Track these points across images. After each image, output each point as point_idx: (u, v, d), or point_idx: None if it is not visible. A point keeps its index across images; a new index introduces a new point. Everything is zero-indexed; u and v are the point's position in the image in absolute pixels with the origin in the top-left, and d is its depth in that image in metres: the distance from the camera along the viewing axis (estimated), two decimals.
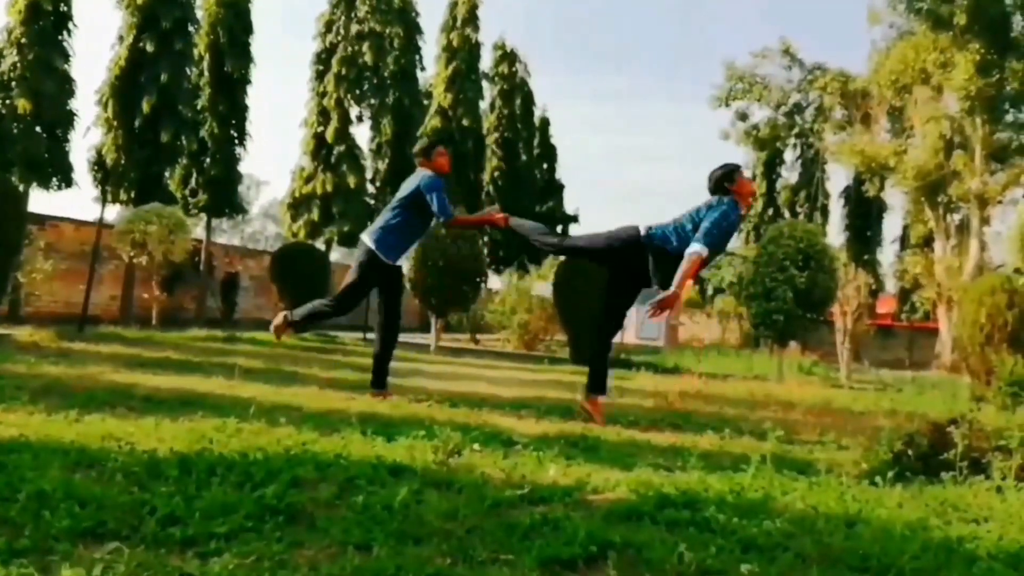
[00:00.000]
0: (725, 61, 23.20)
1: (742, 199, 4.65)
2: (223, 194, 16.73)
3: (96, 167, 14.85)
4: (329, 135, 18.46)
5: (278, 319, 5.41)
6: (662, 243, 4.54)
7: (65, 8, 13.55)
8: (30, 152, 12.83)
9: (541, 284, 15.57)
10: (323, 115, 18.70)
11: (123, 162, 14.59)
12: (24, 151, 12.75)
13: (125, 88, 14.76)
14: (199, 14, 16.13)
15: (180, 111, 15.19)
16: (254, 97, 18.04)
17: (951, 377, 12.41)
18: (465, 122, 21.98)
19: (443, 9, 22.78)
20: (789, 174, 29.65)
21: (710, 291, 27.57)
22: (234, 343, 9.90)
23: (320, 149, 18.65)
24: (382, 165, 20.49)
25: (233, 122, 16.91)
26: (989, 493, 3.00)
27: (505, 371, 8.93)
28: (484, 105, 24.37)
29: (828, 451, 3.92)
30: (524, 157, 26.29)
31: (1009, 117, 20.04)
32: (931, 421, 3.81)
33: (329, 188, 18.19)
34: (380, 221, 5.33)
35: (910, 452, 3.42)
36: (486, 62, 24.54)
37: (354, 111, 19.18)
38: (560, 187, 28.52)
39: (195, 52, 16.05)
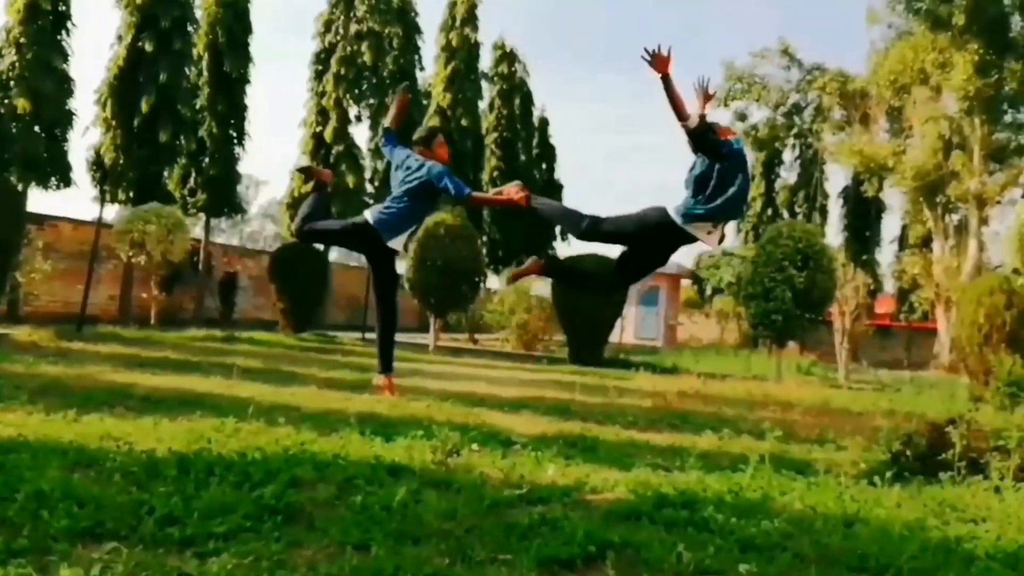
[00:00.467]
0: (724, 61, 23.21)
1: (727, 134, 4.46)
2: (222, 194, 16.72)
3: (95, 167, 14.84)
4: (328, 135, 18.46)
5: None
6: (701, 210, 4.29)
7: (64, 8, 13.54)
8: (29, 152, 12.81)
9: (540, 284, 15.58)
10: (322, 115, 18.69)
11: (122, 162, 14.58)
12: (23, 151, 12.73)
13: (124, 88, 14.75)
14: (198, 14, 16.13)
15: (179, 111, 15.18)
16: (253, 97, 18.07)
17: (949, 377, 12.42)
18: (464, 122, 21.98)
19: (442, 9, 22.78)
20: (788, 174, 29.65)
21: (708, 291, 27.57)
22: (233, 343, 9.89)
23: (319, 149, 18.64)
24: (381, 165, 20.46)
25: (232, 122, 16.90)
26: (987, 493, 3.01)
27: (504, 371, 8.93)
28: (483, 105, 24.36)
29: (826, 451, 3.92)
30: (523, 157, 26.28)
31: (1008, 117, 20.04)
32: (929, 421, 3.81)
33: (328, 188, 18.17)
34: (384, 205, 5.27)
35: (908, 452, 3.42)
36: (485, 62, 24.53)
37: (353, 111, 19.18)
38: (559, 187, 28.49)
39: (194, 52, 16.04)
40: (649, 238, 4.53)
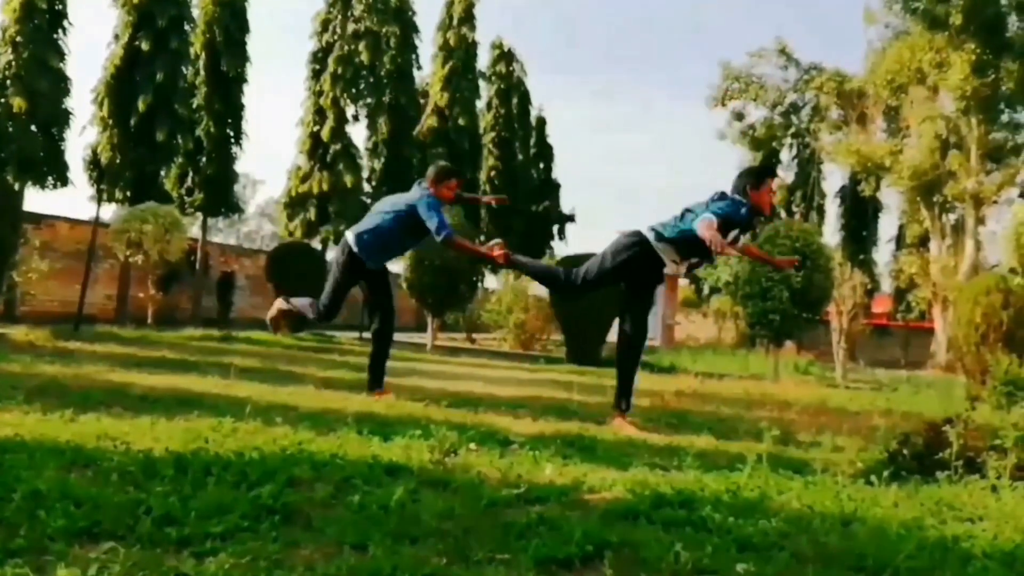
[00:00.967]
0: (721, 61, 23.26)
1: (757, 205, 4.44)
2: (219, 193, 16.71)
3: (92, 166, 14.81)
4: (325, 134, 18.44)
5: (275, 307, 5.36)
6: (671, 233, 4.41)
7: (60, 6, 13.51)
8: (25, 151, 12.78)
9: (538, 284, 15.56)
10: (319, 114, 18.67)
11: (119, 161, 14.55)
12: (19, 150, 12.70)
13: (121, 87, 14.72)
14: (195, 13, 16.10)
15: (176, 110, 15.15)
16: (250, 96, 18.06)
17: (946, 377, 12.44)
18: (461, 121, 21.97)
19: (439, 8, 22.77)
20: (785, 174, 29.69)
21: (706, 291, 27.59)
22: (230, 342, 9.88)
23: (316, 148, 18.63)
24: (378, 164, 20.47)
25: (229, 121, 16.88)
26: (984, 492, 3.01)
27: (502, 371, 8.94)
28: (481, 104, 24.36)
29: (824, 451, 3.92)
30: (520, 156, 26.28)
31: (1004, 117, 20.10)
32: (926, 420, 3.82)
33: (325, 187, 18.17)
34: (368, 223, 5.23)
35: (905, 451, 3.43)
36: (483, 61, 24.53)
37: (350, 110, 19.17)
38: (556, 186, 28.51)
39: (191, 51, 16.01)
40: (629, 267, 4.55)
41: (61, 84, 13.43)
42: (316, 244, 17.81)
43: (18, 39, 12.91)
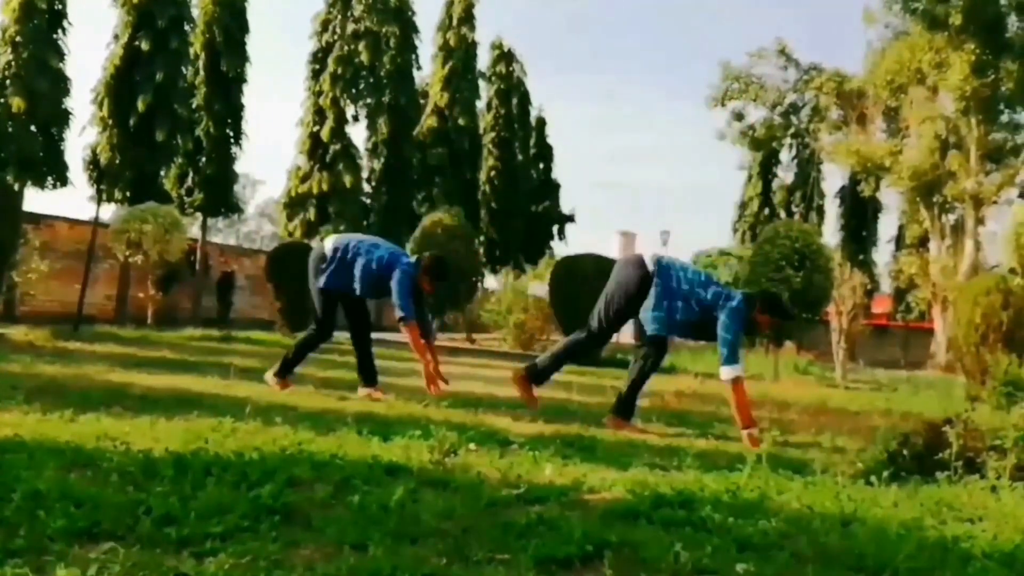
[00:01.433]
0: (721, 61, 23.25)
1: (753, 322, 4.50)
2: (219, 193, 16.72)
3: (91, 166, 14.82)
4: (325, 134, 18.46)
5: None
6: (676, 285, 4.43)
7: (60, 6, 13.52)
8: (25, 151, 12.79)
9: (537, 284, 15.58)
10: (319, 114, 18.69)
11: (118, 161, 14.56)
12: (19, 150, 12.72)
13: (120, 87, 14.73)
14: (195, 13, 16.12)
15: (176, 110, 15.16)
16: (250, 96, 18.07)
17: (946, 377, 12.44)
18: (461, 121, 22.00)
19: (439, 8, 22.78)
20: (785, 174, 29.73)
21: None
22: (230, 342, 9.88)
23: (316, 148, 18.65)
24: (378, 164, 20.49)
25: (229, 121, 16.89)
26: (984, 493, 3.01)
27: (501, 371, 8.91)
28: (480, 105, 24.37)
29: (823, 451, 3.93)
30: (520, 157, 26.30)
31: (1004, 117, 20.11)
32: (926, 421, 3.82)
33: (325, 187, 18.19)
34: (334, 269, 5.19)
35: (905, 452, 3.43)
36: (483, 62, 24.55)
37: (350, 110, 19.20)
38: (556, 187, 28.53)
39: (191, 51, 16.03)
40: (640, 298, 4.57)
41: (61, 84, 13.44)
42: (316, 244, 17.80)
43: (18, 39, 12.92)
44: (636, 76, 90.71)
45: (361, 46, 18.86)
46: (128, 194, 14.56)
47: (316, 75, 18.91)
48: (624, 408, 4.68)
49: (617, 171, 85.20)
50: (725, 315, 4.33)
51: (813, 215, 27.58)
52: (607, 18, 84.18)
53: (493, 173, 25.07)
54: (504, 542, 2.13)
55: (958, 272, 18.86)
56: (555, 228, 27.92)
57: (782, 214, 28.13)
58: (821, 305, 10.86)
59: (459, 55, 22.23)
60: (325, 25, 19.19)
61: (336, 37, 18.93)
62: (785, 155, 28.93)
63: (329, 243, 5.37)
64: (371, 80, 19.45)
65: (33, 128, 13.08)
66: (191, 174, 16.59)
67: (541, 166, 28.32)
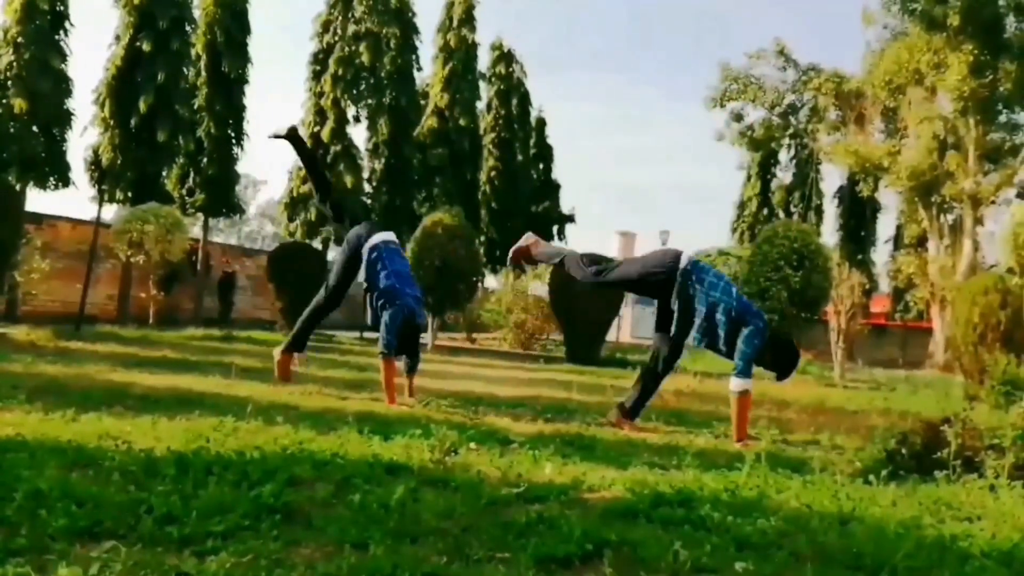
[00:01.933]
0: (720, 62, 23.26)
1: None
2: (220, 194, 16.71)
3: (93, 166, 14.82)
4: (326, 135, 18.45)
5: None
6: (703, 291, 4.38)
7: (62, 7, 13.52)
8: (27, 151, 12.80)
9: (537, 284, 15.59)
10: (320, 115, 18.69)
11: (120, 161, 14.56)
12: (21, 150, 12.72)
13: (122, 87, 14.74)
14: (196, 14, 16.12)
15: (177, 111, 15.16)
16: (251, 97, 18.06)
17: (944, 376, 12.45)
18: (462, 122, 21.99)
19: (440, 10, 22.78)
20: (783, 174, 29.72)
21: None
22: (231, 342, 9.90)
23: (317, 149, 18.62)
24: (379, 165, 20.48)
25: (230, 122, 16.89)
26: (982, 492, 3.02)
27: (501, 370, 8.94)
28: (481, 105, 24.37)
29: (822, 450, 3.94)
30: (520, 157, 26.29)
31: (1002, 118, 20.10)
32: (924, 420, 3.83)
33: None
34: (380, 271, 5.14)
35: (904, 451, 3.44)
36: (483, 62, 24.55)
37: (351, 111, 19.18)
38: (556, 187, 28.54)
39: (192, 52, 16.03)
40: (655, 286, 4.56)
41: (62, 85, 13.44)
42: (317, 244, 17.83)
43: (20, 40, 12.93)
44: (636, 76, 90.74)
45: (362, 47, 18.86)
46: (130, 194, 14.56)
47: (317, 76, 18.91)
48: (633, 409, 4.65)
49: (617, 171, 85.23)
50: (754, 332, 4.31)
51: (812, 215, 27.57)
52: (607, 18, 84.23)
53: (493, 173, 25.07)
54: (504, 541, 2.14)
55: (956, 272, 18.87)
56: (555, 228, 27.91)
57: (781, 214, 28.12)
58: (819, 305, 10.86)
59: (459, 56, 22.23)
60: (326, 26, 19.19)
61: (337, 38, 18.92)
62: (784, 155, 28.94)
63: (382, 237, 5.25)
64: (372, 81, 19.45)
65: (35, 128, 13.08)
66: (192, 174, 16.59)
67: (541, 166, 28.32)
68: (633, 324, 21.86)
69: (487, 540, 2.14)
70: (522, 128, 26.46)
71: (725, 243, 27.57)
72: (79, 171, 14.60)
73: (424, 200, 21.33)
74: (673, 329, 4.50)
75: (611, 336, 13.32)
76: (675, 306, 4.45)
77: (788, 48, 22.93)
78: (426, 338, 12.85)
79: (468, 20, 22.43)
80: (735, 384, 4.32)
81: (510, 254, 4.99)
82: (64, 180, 13.53)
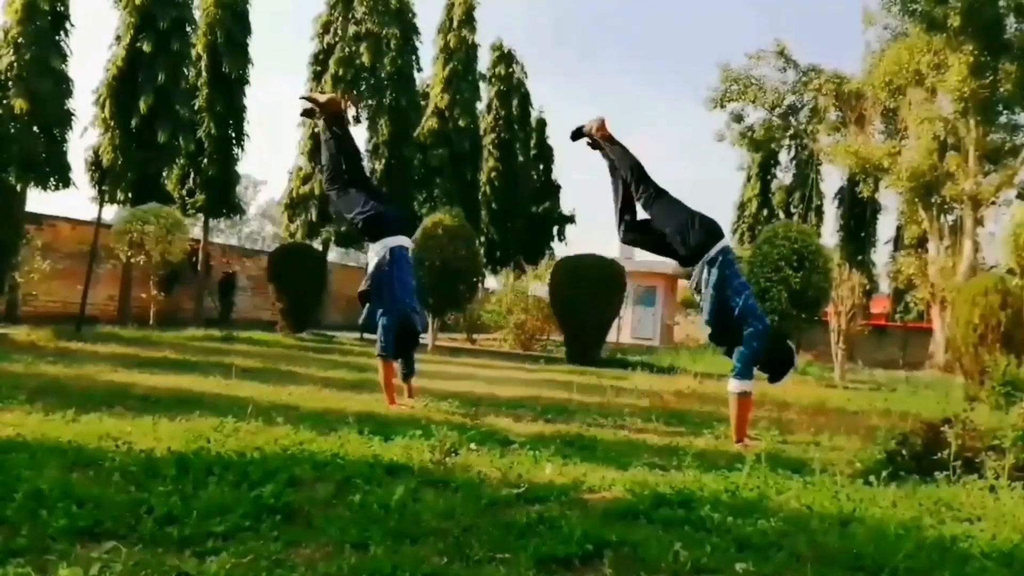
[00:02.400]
0: (720, 63, 23.21)
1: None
2: (220, 194, 16.72)
3: (93, 167, 14.82)
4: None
5: None
6: (726, 276, 4.37)
7: (62, 8, 13.52)
8: (27, 152, 12.79)
9: (537, 284, 15.59)
10: None
11: (120, 162, 14.56)
12: (21, 151, 12.71)
13: (122, 88, 14.73)
14: (197, 14, 16.12)
15: (177, 111, 15.16)
16: (252, 97, 18.05)
17: (945, 377, 12.45)
18: (462, 123, 21.97)
19: (440, 10, 22.78)
20: (784, 175, 29.70)
21: None
22: (231, 343, 9.90)
23: (317, 149, 18.60)
24: (379, 165, 20.47)
25: (231, 122, 16.89)
26: (982, 492, 3.02)
27: (502, 371, 8.94)
28: (481, 106, 24.36)
29: (822, 450, 3.94)
30: (521, 158, 26.28)
31: (1002, 119, 20.09)
32: (925, 421, 3.83)
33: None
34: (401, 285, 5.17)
35: (904, 452, 3.44)
36: (483, 63, 24.53)
37: (351, 112, 19.17)
38: (556, 188, 28.52)
39: (193, 52, 16.03)
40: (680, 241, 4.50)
41: (63, 85, 13.43)
42: (317, 245, 17.83)
43: (20, 40, 12.92)
44: (637, 77, 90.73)
45: (362, 48, 18.85)
46: (130, 195, 14.56)
47: (317, 76, 18.90)
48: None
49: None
50: (754, 334, 4.29)
51: (812, 216, 27.55)
52: (608, 19, 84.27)
53: (494, 174, 25.06)
54: (504, 541, 2.14)
55: (956, 273, 18.85)
56: (555, 229, 27.90)
57: (781, 215, 28.11)
58: (820, 305, 10.86)
59: (460, 57, 22.22)
60: (326, 27, 19.19)
61: (337, 39, 18.92)
62: (784, 156, 28.92)
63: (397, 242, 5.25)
64: (372, 81, 19.44)
65: (36, 129, 13.07)
66: (193, 175, 16.59)
67: (541, 167, 28.30)
68: (633, 325, 21.87)
69: (487, 540, 2.14)
70: (522, 129, 26.45)
71: (725, 240, 27.52)
72: (79, 171, 14.61)
73: (424, 201, 21.32)
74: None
75: (611, 337, 13.32)
76: (703, 276, 4.38)
77: (788, 49, 22.93)
78: (426, 339, 12.85)
79: (468, 21, 22.42)
80: (733, 385, 4.32)
81: (590, 127, 4.87)
82: (65, 180, 13.52)
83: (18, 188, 12.25)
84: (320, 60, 19.05)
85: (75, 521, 2.06)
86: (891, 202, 24.18)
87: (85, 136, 14.89)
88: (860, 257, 26.56)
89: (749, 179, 29.83)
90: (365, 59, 18.88)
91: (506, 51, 25.92)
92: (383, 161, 20.48)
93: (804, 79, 22.93)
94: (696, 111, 33.49)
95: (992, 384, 6.81)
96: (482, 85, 24.23)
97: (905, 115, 20.23)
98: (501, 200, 24.98)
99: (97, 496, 2.27)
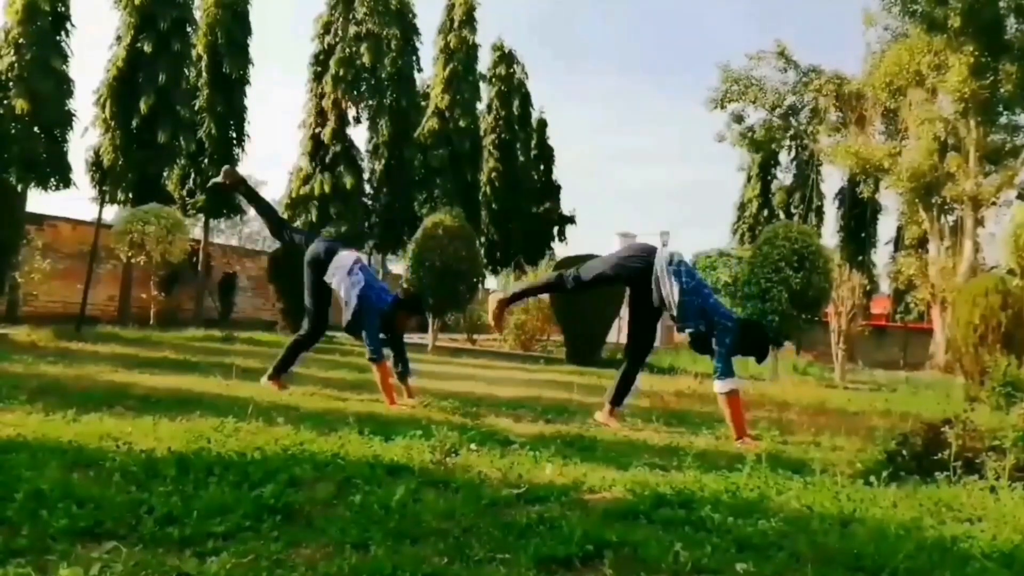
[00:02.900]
0: (720, 63, 23.21)
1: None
2: (221, 195, 16.72)
3: (94, 167, 14.84)
4: (326, 136, 18.47)
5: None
6: (685, 286, 4.42)
7: (63, 8, 13.53)
8: (28, 152, 12.81)
9: None
10: (321, 116, 18.70)
11: (121, 162, 14.57)
12: (22, 151, 12.73)
13: (123, 88, 14.75)
14: (197, 15, 16.13)
15: (178, 112, 15.18)
16: (252, 98, 18.09)
17: (945, 377, 12.44)
18: (462, 123, 21.98)
19: (440, 11, 22.79)
20: (784, 176, 29.69)
21: None
22: (232, 343, 9.90)
23: (318, 150, 18.65)
24: (379, 166, 20.50)
25: (231, 123, 16.91)
26: (983, 493, 3.02)
27: (502, 371, 8.94)
28: (481, 106, 24.36)
29: (823, 451, 3.94)
30: (521, 158, 26.28)
31: (1003, 119, 20.09)
32: (925, 421, 3.83)
33: (327, 189, 18.19)
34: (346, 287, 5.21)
35: (904, 452, 3.44)
36: (484, 63, 24.54)
37: (351, 112, 19.20)
38: (557, 188, 28.52)
39: (193, 53, 16.04)
40: (627, 280, 4.63)
41: (64, 86, 13.45)
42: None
43: (21, 41, 12.94)
44: (637, 77, 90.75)
45: (363, 48, 18.87)
46: (131, 195, 14.57)
47: (318, 77, 18.92)
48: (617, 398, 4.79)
49: (618, 172, 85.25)
50: (723, 330, 4.38)
51: (812, 216, 27.55)
52: (608, 19, 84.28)
53: (494, 174, 25.06)
54: (505, 542, 2.15)
55: (957, 273, 18.85)
56: (556, 229, 27.90)
57: (781, 215, 28.11)
58: (820, 306, 10.85)
59: (460, 57, 22.23)
60: (327, 27, 19.20)
61: (338, 39, 18.93)
62: (784, 157, 28.91)
63: (351, 256, 5.31)
64: (372, 82, 19.46)
65: (36, 129, 13.08)
66: (193, 175, 16.61)
67: (542, 167, 28.29)
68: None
69: (488, 541, 2.14)
70: (523, 129, 26.45)
71: (725, 244, 27.57)
72: (80, 172, 14.63)
73: (424, 201, 21.33)
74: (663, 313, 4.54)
75: (611, 337, 13.32)
76: (656, 288, 4.46)
77: (789, 49, 22.93)
78: (427, 339, 12.85)
79: (469, 21, 22.42)
80: (718, 386, 4.38)
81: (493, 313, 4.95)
82: (65, 181, 13.54)
83: (19, 188, 12.26)
84: (321, 60, 19.07)
85: (76, 521, 2.06)
86: (891, 203, 24.20)
87: (86, 136, 14.92)
88: (860, 257, 26.56)
89: (749, 180, 29.83)
90: (366, 59, 18.90)
91: (506, 51, 25.92)
92: (383, 162, 20.51)
93: (804, 80, 22.93)
94: (697, 112, 33.48)
95: (992, 385, 6.81)
96: (482, 85, 24.24)
97: (905, 116, 20.23)
98: (501, 200, 24.98)
99: (98, 496, 2.27)
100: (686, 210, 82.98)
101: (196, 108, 16.33)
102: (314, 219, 18.26)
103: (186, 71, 15.68)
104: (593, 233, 73.61)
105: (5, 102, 12.85)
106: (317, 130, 18.64)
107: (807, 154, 26.85)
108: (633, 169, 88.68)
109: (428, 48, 22.19)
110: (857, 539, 2.32)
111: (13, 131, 12.80)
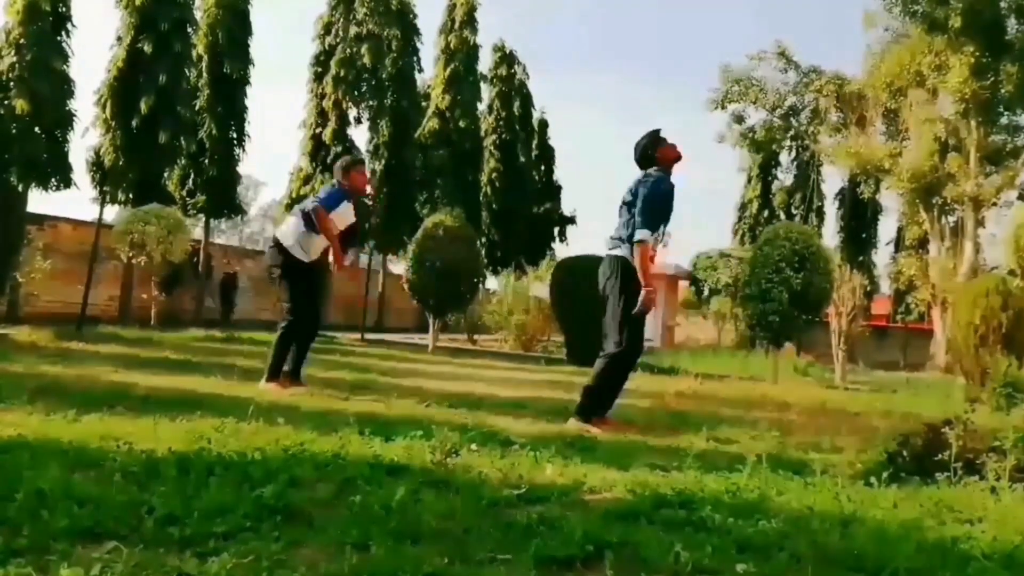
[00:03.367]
0: (721, 64, 23.23)
1: (668, 164, 4.61)
2: (222, 195, 16.74)
3: (94, 168, 14.83)
4: (327, 136, 18.46)
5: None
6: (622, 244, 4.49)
7: (64, 9, 13.53)
8: (29, 153, 12.80)
9: (538, 285, 15.60)
10: (321, 116, 18.70)
11: (121, 163, 14.57)
12: (23, 152, 12.72)
13: (123, 89, 14.74)
14: (198, 15, 16.13)
15: (178, 112, 15.17)
16: (253, 98, 18.08)
17: (945, 378, 12.43)
18: (463, 124, 21.96)
19: (441, 11, 22.79)
20: (785, 176, 29.67)
21: (706, 292, 27.57)
22: (232, 343, 9.90)
23: (318, 150, 18.65)
24: (379, 166, 20.47)
25: (231, 123, 16.91)
26: (983, 494, 3.02)
27: (502, 371, 8.95)
28: (482, 107, 24.35)
29: (823, 452, 3.94)
30: (522, 159, 26.26)
31: (1004, 120, 20.09)
32: (926, 422, 3.83)
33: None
34: (294, 227, 5.44)
35: (905, 453, 3.44)
36: (485, 64, 24.52)
37: (352, 112, 19.19)
38: (558, 188, 28.51)
39: (194, 53, 16.04)
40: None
41: (64, 86, 13.44)
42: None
43: (21, 41, 12.93)
44: (638, 78, 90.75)
45: (363, 49, 18.85)
46: (131, 196, 14.57)
47: (318, 77, 18.92)
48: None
49: (618, 173, 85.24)
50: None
51: (813, 217, 27.53)
52: (608, 20, 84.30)
53: (495, 175, 25.04)
54: (505, 542, 2.15)
55: (957, 274, 18.85)
56: (556, 230, 27.88)
57: (782, 216, 28.09)
58: (821, 307, 10.85)
59: (461, 58, 22.21)
60: (327, 28, 19.19)
61: (338, 40, 18.92)
62: (785, 157, 28.88)
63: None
64: (373, 82, 19.44)
65: (37, 130, 13.06)
66: (194, 176, 16.61)
67: (543, 168, 28.26)
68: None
69: (488, 541, 2.14)
70: (524, 129, 26.43)
71: (726, 245, 27.56)
72: (81, 172, 14.60)
73: (425, 201, 21.32)
74: None
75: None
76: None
77: (789, 50, 22.93)
78: (427, 339, 12.86)
79: (470, 22, 22.41)
80: (635, 236, 4.46)
81: None
82: (66, 181, 13.53)
83: (20, 189, 12.27)
84: (321, 61, 19.07)
85: (76, 521, 2.06)
86: (892, 203, 24.19)
87: (86, 137, 14.90)
88: (861, 258, 26.54)
89: (750, 180, 29.81)
90: (366, 60, 18.88)
91: (507, 52, 25.91)
92: (383, 162, 20.49)
93: (805, 80, 22.93)
94: (697, 112, 33.49)
95: (993, 385, 6.81)
96: (483, 86, 24.23)
97: (906, 116, 20.23)
98: (502, 201, 24.97)
99: (98, 496, 2.27)
100: (686, 210, 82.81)
101: (197, 108, 16.33)
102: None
103: (187, 71, 15.67)
104: (594, 233, 73.61)
105: (6, 102, 12.85)
106: (318, 130, 18.63)
107: (808, 155, 26.85)
108: (634, 170, 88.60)
109: (429, 49, 22.18)
110: (858, 540, 2.32)
111: (14, 131, 12.80)
